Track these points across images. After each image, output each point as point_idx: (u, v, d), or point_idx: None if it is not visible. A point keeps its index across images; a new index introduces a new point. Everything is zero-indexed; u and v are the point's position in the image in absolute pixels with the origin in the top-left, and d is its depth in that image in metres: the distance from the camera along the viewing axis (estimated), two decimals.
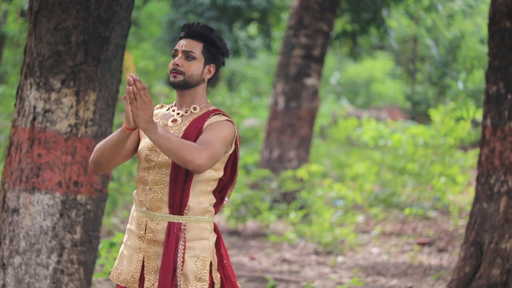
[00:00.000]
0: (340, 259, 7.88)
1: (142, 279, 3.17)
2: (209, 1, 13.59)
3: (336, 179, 12.17)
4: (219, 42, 3.19)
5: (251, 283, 6.69)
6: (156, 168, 3.13)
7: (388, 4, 11.95)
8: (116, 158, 3.15)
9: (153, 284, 3.12)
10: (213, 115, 3.15)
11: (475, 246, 5.47)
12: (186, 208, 3.11)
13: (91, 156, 3.18)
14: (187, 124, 3.16)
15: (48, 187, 4.27)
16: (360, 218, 9.32)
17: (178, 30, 13.88)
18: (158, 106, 3.32)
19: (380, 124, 11.10)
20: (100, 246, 5.11)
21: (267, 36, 14.53)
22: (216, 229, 3.21)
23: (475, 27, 17.71)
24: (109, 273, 3.35)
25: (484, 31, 16.32)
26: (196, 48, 3.15)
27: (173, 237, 3.09)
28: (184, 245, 3.10)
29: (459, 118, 9.82)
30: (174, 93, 3.30)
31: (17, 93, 4.40)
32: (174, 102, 3.25)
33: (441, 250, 8.26)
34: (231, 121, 3.15)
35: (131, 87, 2.92)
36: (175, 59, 3.16)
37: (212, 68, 3.20)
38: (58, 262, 4.29)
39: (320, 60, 10.61)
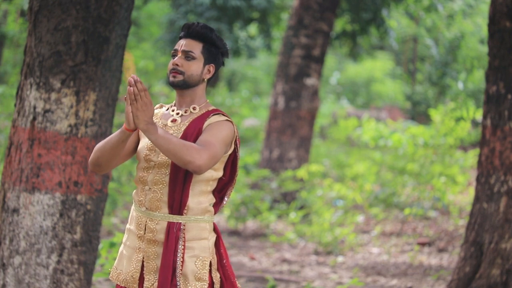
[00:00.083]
0: (340, 259, 7.88)
1: (141, 279, 3.17)
2: (209, 1, 13.59)
3: (336, 179, 12.17)
4: (218, 42, 3.19)
5: (251, 283, 6.69)
6: (155, 168, 3.13)
7: (388, 4, 11.95)
8: (116, 159, 3.15)
9: (153, 284, 3.12)
10: (213, 115, 3.15)
11: (475, 246, 5.47)
12: (186, 208, 3.11)
13: (90, 157, 3.18)
14: (187, 124, 3.16)
15: (48, 187, 4.27)
16: (360, 218, 9.32)
17: (178, 30, 13.89)
18: (157, 106, 3.32)
19: (380, 124, 11.09)
20: (100, 246, 5.11)
21: (267, 36, 14.53)
22: (215, 229, 3.21)
23: (475, 27, 17.71)
24: (109, 273, 3.35)
25: (484, 31, 16.32)
26: (196, 48, 3.16)
27: (173, 237, 3.09)
28: (184, 245, 3.10)
29: (459, 118, 9.82)
30: (174, 93, 3.30)
31: (17, 93, 4.40)
32: (174, 102, 3.25)
33: (441, 250, 8.26)
34: (230, 121, 3.15)
35: (131, 88, 2.92)
36: (175, 59, 3.16)
37: (211, 68, 3.20)
38: (58, 262, 4.29)
39: (320, 60, 10.61)
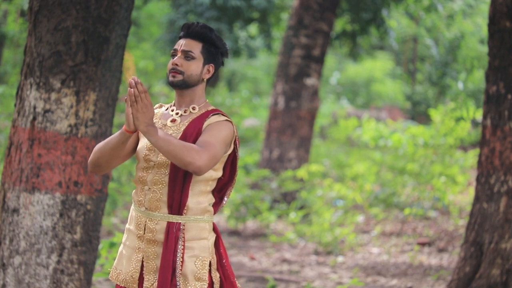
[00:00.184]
0: (340, 259, 7.88)
1: (141, 279, 3.17)
2: (209, 1, 13.60)
3: (336, 179, 12.17)
4: (218, 42, 3.19)
5: (251, 283, 6.69)
6: (155, 168, 3.13)
7: (388, 4, 11.95)
8: (116, 160, 3.15)
9: (152, 284, 3.12)
10: (212, 115, 3.15)
11: (475, 246, 5.47)
12: (185, 208, 3.11)
13: (90, 158, 3.18)
14: (186, 124, 3.16)
15: (48, 187, 4.27)
16: (360, 218, 9.32)
17: (178, 30, 13.88)
18: (157, 105, 3.32)
19: (380, 124, 11.10)
20: (100, 246, 5.11)
21: (267, 36, 14.53)
22: (215, 229, 3.21)
23: (475, 27, 17.71)
24: (109, 273, 3.35)
25: (484, 31, 16.32)
26: (195, 48, 3.15)
27: (172, 237, 3.09)
28: (183, 245, 3.10)
29: (459, 118, 9.82)
30: (174, 93, 3.30)
31: (17, 93, 4.40)
32: (173, 102, 3.25)
33: (441, 250, 8.26)
34: (230, 121, 3.15)
35: (132, 89, 2.92)
36: (174, 58, 3.16)
37: (211, 68, 3.20)
38: (58, 262, 4.29)
39: (320, 60, 10.61)
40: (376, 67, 24.31)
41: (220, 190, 3.23)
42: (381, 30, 12.12)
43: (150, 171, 3.14)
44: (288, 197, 10.31)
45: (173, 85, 3.16)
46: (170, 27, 15.38)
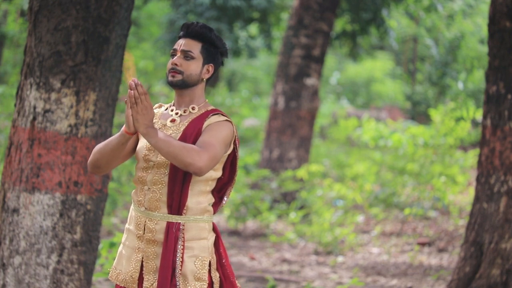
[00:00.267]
0: (340, 259, 7.88)
1: (141, 279, 3.17)
2: (209, 1, 13.60)
3: (336, 179, 12.17)
4: (218, 41, 3.18)
5: (251, 283, 6.69)
6: (154, 168, 3.13)
7: (388, 4, 11.95)
8: (115, 161, 3.16)
9: (152, 284, 3.12)
10: (212, 115, 3.15)
11: (475, 246, 5.47)
12: (185, 208, 3.11)
13: (89, 159, 3.19)
14: (186, 124, 3.15)
15: (48, 187, 4.27)
16: (360, 218, 9.32)
17: (178, 30, 13.88)
18: (156, 105, 3.32)
19: (380, 124, 11.09)
20: (100, 246, 5.11)
21: (268, 36, 14.53)
22: (215, 229, 3.21)
23: (475, 27, 17.71)
24: (108, 273, 3.35)
25: (484, 31, 16.32)
26: (195, 47, 3.15)
27: (172, 237, 3.09)
28: (183, 245, 3.10)
29: (459, 118, 9.82)
30: (174, 93, 3.30)
31: (17, 93, 4.40)
32: (173, 102, 3.25)
33: (441, 250, 8.26)
34: (230, 121, 3.15)
35: (132, 91, 2.92)
36: (174, 58, 3.16)
37: (210, 68, 3.20)
38: (58, 262, 4.29)
39: (320, 60, 10.61)
40: (376, 67, 24.31)
41: (220, 190, 3.23)
42: (381, 30, 12.12)
43: (149, 171, 3.14)
44: (288, 197, 10.31)
45: (172, 85, 3.16)
46: (170, 27, 15.38)
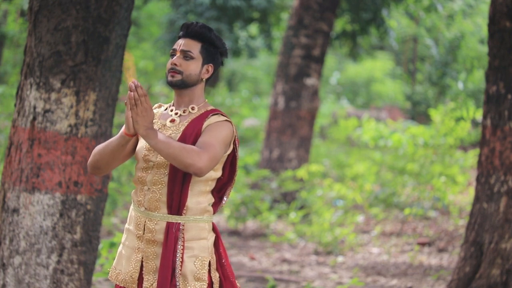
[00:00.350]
0: (340, 259, 7.88)
1: (140, 279, 3.17)
2: (209, 1, 13.60)
3: (336, 179, 12.17)
4: (217, 41, 3.18)
5: (251, 283, 6.69)
6: (154, 168, 3.13)
7: (388, 4, 11.95)
8: (115, 162, 3.16)
9: (152, 284, 3.12)
10: (212, 115, 3.15)
11: (475, 246, 5.47)
12: (185, 208, 3.11)
13: (89, 160, 3.19)
14: (186, 124, 3.15)
15: (48, 187, 4.27)
16: (360, 218, 9.32)
17: (178, 30, 13.89)
18: (156, 105, 3.32)
19: (380, 124, 11.09)
20: (100, 246, 5.11)
21: (268, 36, 14.53)
22: (214, 229, 3.21)
23: (475, 27, 17.71)
24: (108, 273, 3.35)
25: (484, 31, 16.32)
26: (194, 47, 3.15)
27: (172, 237, 3.09)
28: (183, 245, 3.10)
29: (459, 118, 9.82)
30: (173, 93, 3.30)
31: (17, 93, 4.40)
32: (172, 102, 3.25)
33: (441, 250, 8.26)
34: (229, 121, 3.15)
35: (132, 93, 2.92)
36: (173, 58, 3.16)
37: (210, 68, 3.19)
38: (58, 262, 4.29)
39: (320, 60, 10.61)
40: (376, 67, 24.31)
41: (220, 190, 3.23)
42: (381, 30, 12.12)
43: (149, 171, 3.14)
44: (288, 197, 10.31)
45: (172, 85, 3.16)
46: (170, 27, 15.39)
